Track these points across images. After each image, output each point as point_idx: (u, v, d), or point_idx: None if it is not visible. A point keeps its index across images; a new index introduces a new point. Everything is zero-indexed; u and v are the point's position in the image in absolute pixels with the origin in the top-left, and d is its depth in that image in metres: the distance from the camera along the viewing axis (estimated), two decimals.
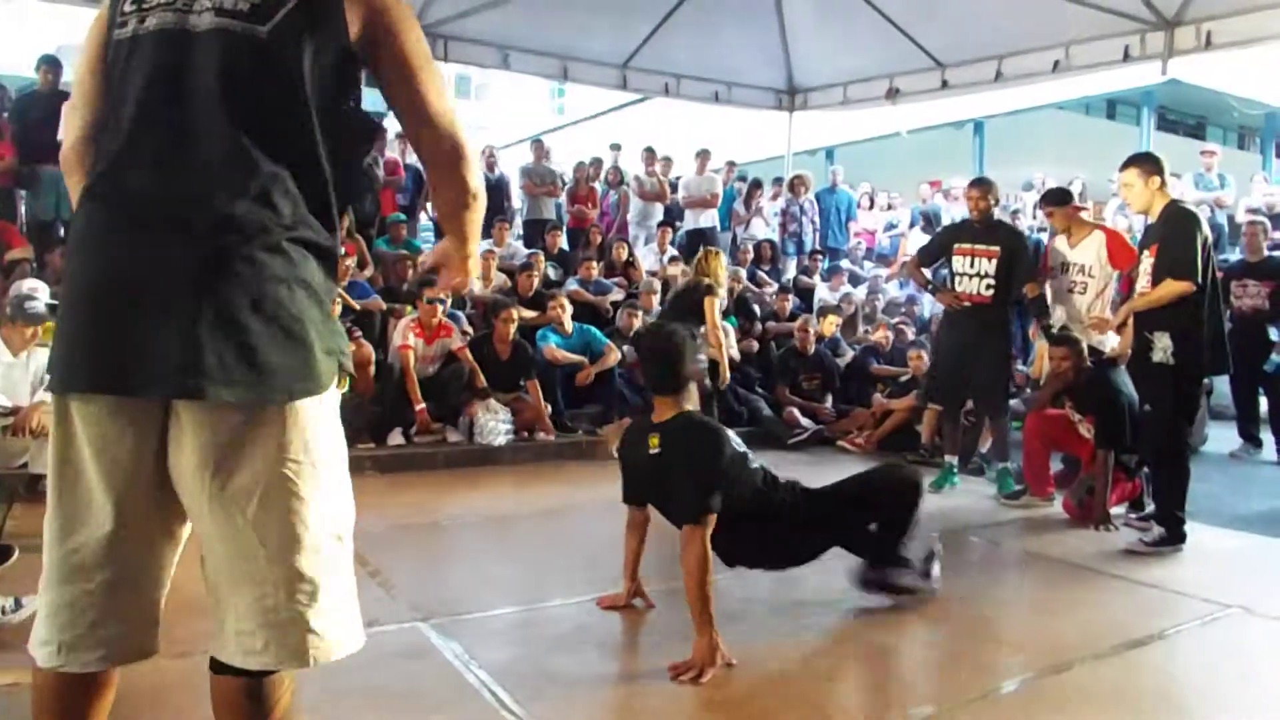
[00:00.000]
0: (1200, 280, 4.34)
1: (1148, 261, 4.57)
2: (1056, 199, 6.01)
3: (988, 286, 5.70)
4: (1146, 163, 4.64)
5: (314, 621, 1.44)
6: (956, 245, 5.87)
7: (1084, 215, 6.23)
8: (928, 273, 6.36)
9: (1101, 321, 5.33)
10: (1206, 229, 4.53)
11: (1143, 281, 4.59)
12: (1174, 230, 4.44)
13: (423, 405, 6.55)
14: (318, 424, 1.47)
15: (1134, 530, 4.80)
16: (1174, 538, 4.45)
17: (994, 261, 5.68)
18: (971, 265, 5.75)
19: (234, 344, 1.37)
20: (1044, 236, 10.67)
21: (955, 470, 5.98)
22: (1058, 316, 5.77)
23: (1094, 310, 5.53)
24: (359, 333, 6.56)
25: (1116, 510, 5.10)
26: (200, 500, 1.41)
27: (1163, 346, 4.39)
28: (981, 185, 5.93)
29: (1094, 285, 5.60)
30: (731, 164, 11.88)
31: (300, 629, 1.43)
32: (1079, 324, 5.56)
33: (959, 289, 5.81)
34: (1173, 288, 4.36)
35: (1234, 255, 8.88)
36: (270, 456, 1.41)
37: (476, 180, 1.65)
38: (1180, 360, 4.38)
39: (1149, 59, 7.92)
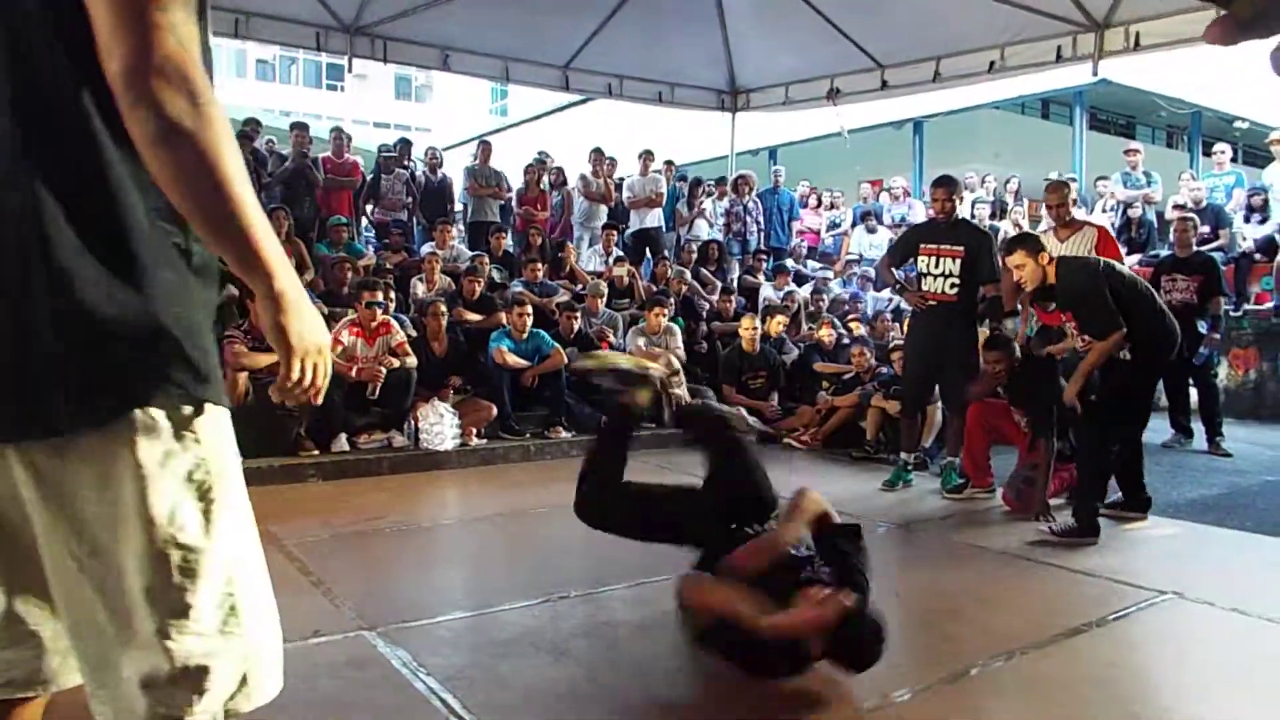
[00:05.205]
0: (1123, 321, 4.54)
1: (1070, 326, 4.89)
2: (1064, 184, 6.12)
3: (952, 285, 5.74)
4: (1029, 242, 4.88)
5: None
6: (922, 245, 5.88)
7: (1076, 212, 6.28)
8: (899, 273, 6.41)
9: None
10: (1099, 263, 4.80)
11: (1080, 341, 4.83)
12: (1079, 295, 4.67)
13: (360, 367, 6.52)
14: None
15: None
16: (1086, 530, 4.54)
17: (958, 261, 5.71)
18: (937, 265, 5.78)
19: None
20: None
21: (910, 467, 6.04)
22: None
23: None
24: None
25: (1056, 501, 5.21)
26: None
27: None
28: (946, 184, 5.91)
29: None
30: (670, 164, 11.92)
31: None
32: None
33: (925, 288, 5.84)
34: (1107, 345, 4.56)
35: (1163, 250, 9.12)
36: None
37: (220, 151, 1.15)
38: (1134, 357, 4.59)
39: (1080, 60, 8.14)
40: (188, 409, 1.26)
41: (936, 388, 6.16)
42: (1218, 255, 8.32)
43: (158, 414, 1.23)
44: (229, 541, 1.31)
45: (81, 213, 1.18)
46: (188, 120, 1.12)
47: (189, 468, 1.26)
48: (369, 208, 10.33)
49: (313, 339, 1.30)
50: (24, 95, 1.18)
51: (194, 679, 1.27)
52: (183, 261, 1.25)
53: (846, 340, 8.44)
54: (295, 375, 1.29)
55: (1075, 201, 6.52)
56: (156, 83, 1.11)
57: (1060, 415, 5.07)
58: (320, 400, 1.35)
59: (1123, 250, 7.14)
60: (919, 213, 11.40)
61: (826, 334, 8.53)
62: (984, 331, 5.92)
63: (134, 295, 1.20)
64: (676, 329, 8.33)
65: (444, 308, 7.26)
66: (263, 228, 1.20)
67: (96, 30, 1.12)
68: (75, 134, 1.19)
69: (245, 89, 36.00)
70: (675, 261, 10.10)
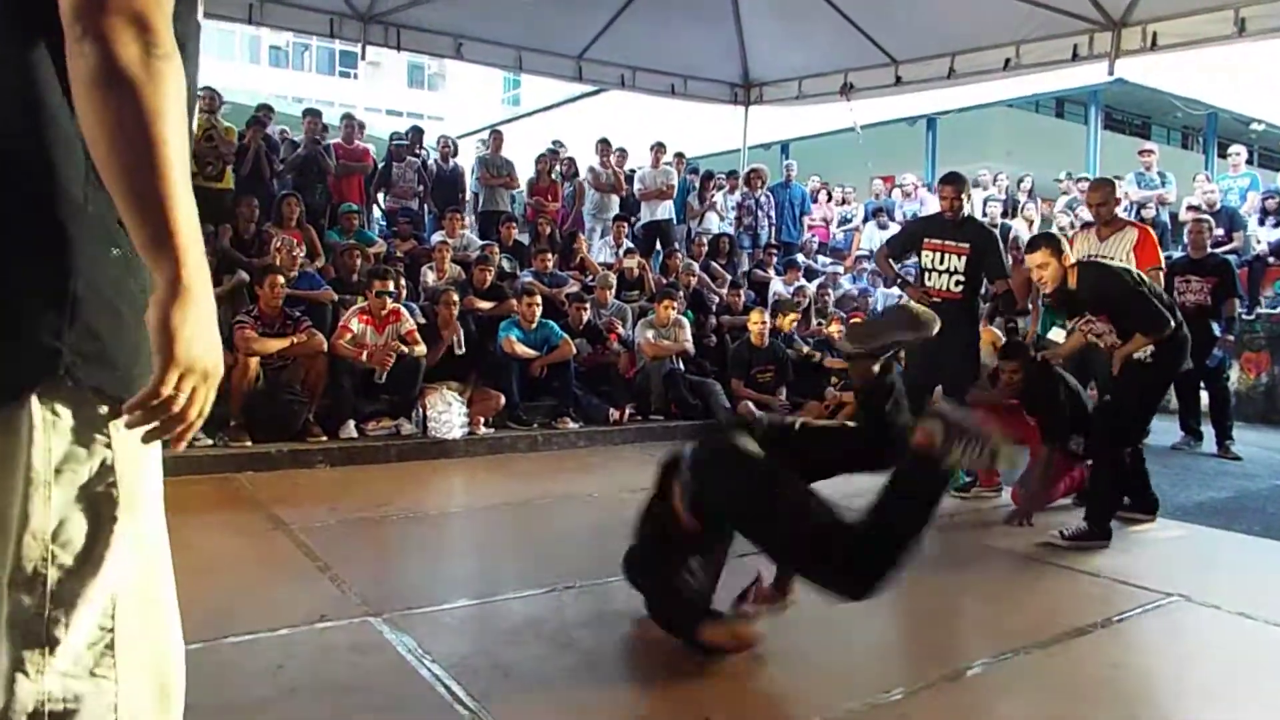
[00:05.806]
0: (1172, 318, 4.42)
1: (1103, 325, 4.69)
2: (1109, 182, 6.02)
3: (957, 283, 5.68)
4: (1051, 242, 4.73)
5: None
6: (926, 239, 5.81)
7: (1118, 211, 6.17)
8: (898, 266, 6.36)
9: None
10: (1123, 268, 4.72)
11: (1111, 339, 4.68)
12: (1122, 295, 4.52)
13: (369, 351, 6.52)
14: None
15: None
16: (1099, 534, 4.46)
17: (964, 258, 5.65)
18: (941, 261, 5.72)
19: None
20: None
21: None
22: None
23: None
24: (309, 323, 6.48)
25: (1064, 501, 5.21)
26: None
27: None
28: (955, 182, 5.84)
29: None
30: (681, 156, 11.90)
31: None
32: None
33: (928, 284, 5.77)
34: (1151, 339, 4.45)
35: (1176, 252, 9.06)
36: None
37: (159, 106, 0.99)
38: (1157, 359, 4.52)
39: (1096, 59, 8.06)
40: (102, 408, 1.09)
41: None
42: (1231, 258, 8.25)
43: (63, 409, 1.07)
44: (122, 570, 1.12)
45: (5, 174, 1.05)
46: (135, 68, 0.98)
47: (89, 476, 1.10)
48: (380, 195, 10.34)
49: (203, 356, 1.03)
50: None
51: None
52: (127, 239, 1.06)
53: None
54: (166, 390, 1.01)
55: (1119, 201, 6.40)
56: (111, 19, 0.97)
57: (1073, 418, 5.01)
58: (183, 446, 1.08)
59: None
60: (931, 209, 11.35)
61: (836, 329, 8.52)
62: (989, 332, 5.86)
63: (51, 270, 1.05)
64: (685, 321, 8.33)
65: (456, 296, 7.26)
66: (187, 209, 1.02)
67: None
68: (10, 89, 1.05)
69: (258, 75, 36.19)
70: (685, 254, 10.10)
